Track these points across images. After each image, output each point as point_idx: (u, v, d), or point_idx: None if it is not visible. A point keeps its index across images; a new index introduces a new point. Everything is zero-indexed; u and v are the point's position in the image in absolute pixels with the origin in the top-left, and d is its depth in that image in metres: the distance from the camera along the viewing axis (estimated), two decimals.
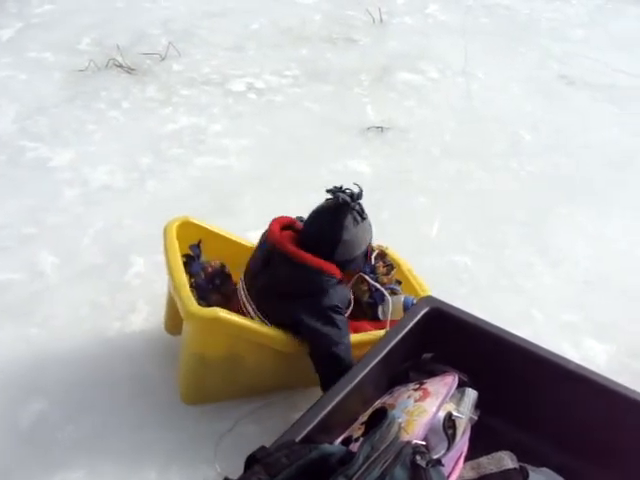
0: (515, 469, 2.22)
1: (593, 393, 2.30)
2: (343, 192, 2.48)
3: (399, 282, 2.90)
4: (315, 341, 2.44)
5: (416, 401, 2.14)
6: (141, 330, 2.96)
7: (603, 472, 2.26)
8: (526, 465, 2.26)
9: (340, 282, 2.51)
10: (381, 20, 6.53)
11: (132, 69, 5.24)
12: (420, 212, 3.84)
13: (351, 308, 2.63)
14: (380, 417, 1.85)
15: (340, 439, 2.09)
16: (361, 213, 2.50)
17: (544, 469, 2.30)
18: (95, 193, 3.86)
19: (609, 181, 4.44)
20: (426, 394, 2.18)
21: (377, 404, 2.23)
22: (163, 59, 5.44)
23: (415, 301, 2.71)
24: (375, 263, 2.88)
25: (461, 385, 2.31)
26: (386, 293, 2.74)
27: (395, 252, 3.03)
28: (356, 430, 2.09)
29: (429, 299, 2.53)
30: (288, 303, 2.47)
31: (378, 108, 4.99)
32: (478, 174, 4.36)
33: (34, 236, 3.51)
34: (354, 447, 1.95)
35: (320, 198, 2.61)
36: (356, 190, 2.49)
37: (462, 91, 5.41)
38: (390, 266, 2.90)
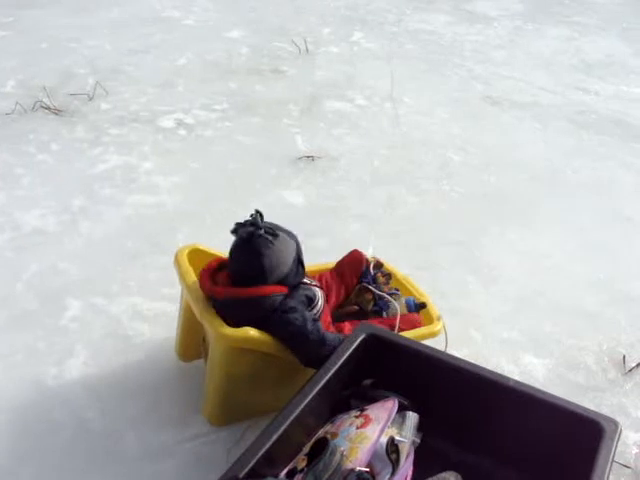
0: None
1: (533, 408, 2.34)
2: (243, 225, 2.52)
3: (396, 289, 3.00)
4: (289, 342, 2.49)
5: (358, 428, 2.15)
6: (80, 375, 2.91)
7: None
8: None
9: (287, 295, 2.56)
10: (307, 50, 6.61)
11: (60, 110, 5.20)
12: (354, 239, 3.85)
13: (321, 302, 2.68)
14: (322, 447, 1.86)
15: (285, 471, 2.09)
16: (271, 233, 2.52)
17: None
18: (27, 237, 3.80)
19: (537, 197, 4.55)
20: (368, 420, 2.19)
21: (320, 433, 2.23)
22: (91, 99, 5.41)
23: (416, 300, 2.87)
24: (374, 273, 3.00)
25: (402, 409, 2.33)
26: (391, 299, 2.87)
27: (388, 263, 3.12)
28: (300, 461, 2.09)
29: (365, 326, 2.54)
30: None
31: (308, 138, 5.04)
32: (409, 198, 4.43)
33: None
34: (299, 479, 1.96)
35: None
36: (254, 217, 2.53)
37: (390, 117, 5.49)
38: (388, 275, 3.03)
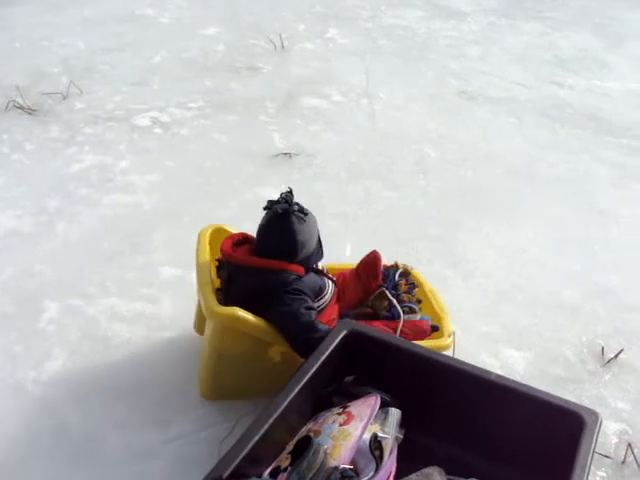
0: None
1: (515, 401, 2.36)
2: (277, 202, 2.63)
3: (419, 301, 2.99)
4: (279, 322, 2.54)
5: (341, 425, 2.15)
6: (59, 378, 2.89)
7: (529, 479, 2.31)
8: (455, 478, 2.30)
9: (301, 276, 2.63)
10: (283, 47, 6.58)
11: (33, 110, 5.15)
12: (332, 235, 3.81)
13: (329, 296, 2.74)
14: (305, 445, 1.86)
15: (269, 470, 2.08)
16: (302, 211, 2.64)
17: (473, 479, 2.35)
18: (2, 239, 3.76)
19: (514, 191, 4.57)
20: (350, 417, 2.19)
21: (303, 432, 2.22)
22: (65, 98, 5.36)
23: (431, 322, 2.83)
24: (398, 280, 3.01)
25: (384, 405, 2.33)
26: (400, 309, 2.84)
27: (419, 273, 3.14)
28: (284, 460, 2.09)
29: (346, 322, 2.54)
30: (262, 307, 2.56)
31: (285, 135, 5.03)
32: (386, 193, 4.44)
33: None
34: (283, 478, 1.95)
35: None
36: (287, 195, 2.65)
37: (366, 112, 5.49)
38: (412, 285, 3.02)
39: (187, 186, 4.35)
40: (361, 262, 3.04)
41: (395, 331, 2.73)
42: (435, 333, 2.83)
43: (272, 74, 6.09)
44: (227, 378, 2.74)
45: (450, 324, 2.92)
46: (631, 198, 4.65)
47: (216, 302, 2.54)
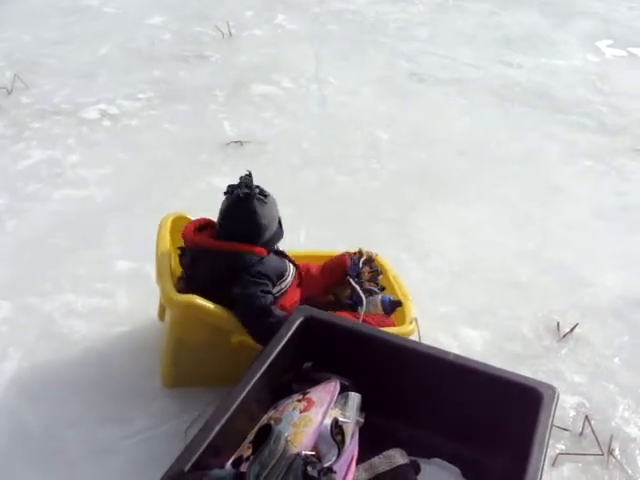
0: (406, 464, 2.27)
1: (473, 380, 2.38)
2: (238, 187, 2.63)
3: (383, 288, 2.99)
4: (237, 304, 2.56)
5: (301, 412, 2.15)
6: (15, 377, 2.85)
7: (491, 455, 2.34)
8: (417, 459, 2.32)
9: (263, 258, 2.65)
10: (230, 34, 6.53)
11: None
12: (286, 222, 3.82)
13: (290, 280, 2.75)
14: (266, 434, 1.85)
15: (231, 460, 2.07)
16: (263, 193, 2.67)
17: (435, 459, 2.37)
18: None
19: (466, 171, 4.60)
20: (310, 404, 2.19)
21: (263, 420, 2.22)
22: (10, 93, 5.26)
23: (392, 298, 2.85)
24: (362, 268, 2.98)
25: (344, 390, 2.34)
26: (363, 297, 2.83)
27: (384, 259, 3.14)
28: (245, 449, 2.08)
29: (303, 309, 2.54)
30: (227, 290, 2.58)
31: (236, 123, 4.99)
32: (339, 178, 4.44)
33: None
34: (245, 467, 1.95)
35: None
36: (247, 178, 2.67)
37: (316, 98, 5.48)
38: (376, 272, 3.00)
39: (139, 178, 4.30)
40: (327, 265, 3.02)
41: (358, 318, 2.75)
42: (397, 317, 2.86)
43: (221, 62, 6.04)
44: (187, 365, 2.74)
45: (413, 310, 2.93)
46: (582, 174, 4.71)
47: (174, 290, 2.54)
